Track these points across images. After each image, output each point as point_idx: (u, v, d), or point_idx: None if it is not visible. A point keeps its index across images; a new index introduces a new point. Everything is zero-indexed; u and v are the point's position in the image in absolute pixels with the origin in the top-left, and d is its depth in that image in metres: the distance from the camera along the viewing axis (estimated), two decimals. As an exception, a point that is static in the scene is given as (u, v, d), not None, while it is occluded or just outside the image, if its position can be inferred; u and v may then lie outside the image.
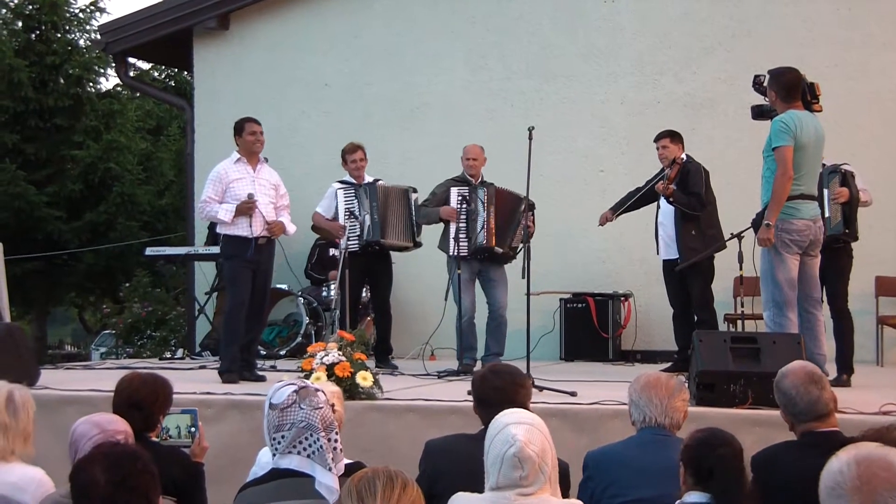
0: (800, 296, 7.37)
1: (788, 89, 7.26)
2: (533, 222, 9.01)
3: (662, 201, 9.29)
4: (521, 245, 8.74)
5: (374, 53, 12.60)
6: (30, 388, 7.32)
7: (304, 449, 3.68)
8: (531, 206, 8.88)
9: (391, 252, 10.03)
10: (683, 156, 9.29)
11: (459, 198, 9.22)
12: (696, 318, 9.22)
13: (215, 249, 11.44)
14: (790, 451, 4.35)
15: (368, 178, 9.97)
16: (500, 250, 9.20)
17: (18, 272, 17.75)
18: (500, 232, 9.18)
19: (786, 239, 7.21)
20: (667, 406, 4.39)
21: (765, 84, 7.41)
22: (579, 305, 11.37)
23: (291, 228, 8.92)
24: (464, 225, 9.18)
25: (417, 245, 9.98)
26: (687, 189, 9.09)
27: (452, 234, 9.20)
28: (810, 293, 7.49)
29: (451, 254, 9.21)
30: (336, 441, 3.74)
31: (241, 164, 8.73)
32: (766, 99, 7.49)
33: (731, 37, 11.57)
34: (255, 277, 8.59)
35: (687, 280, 9.22)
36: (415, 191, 9.97)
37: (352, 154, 9.94)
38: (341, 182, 9.93)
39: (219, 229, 8.90)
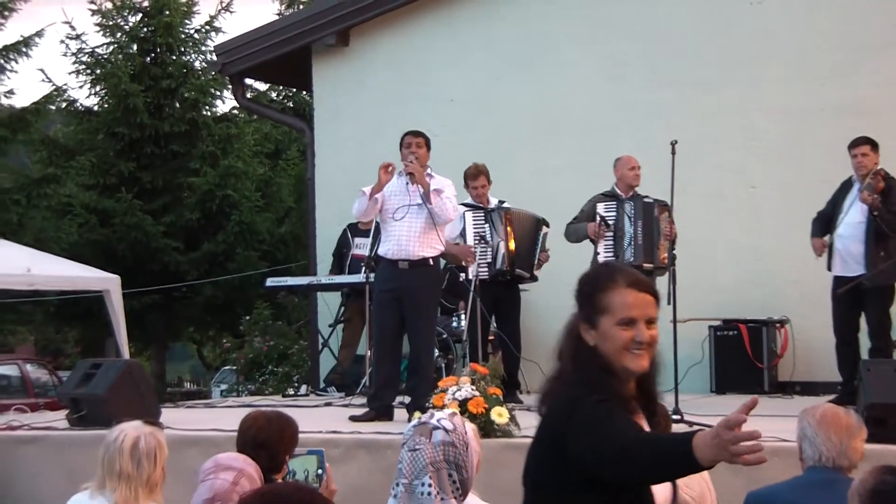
0: None
1: None
2: (672, 222, 8.97)
3: (849, 214, 8.98)
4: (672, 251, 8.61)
5: (504, 65, 12.59)
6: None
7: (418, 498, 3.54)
8: (665, 206, 9.00)
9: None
10: (881, 167, 8.94)
11: (603, 214, 9.18)
12: (870, 345, 8.95)
13: (339, 279, 11.54)
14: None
15: (493, 200, 10.02)
16: (649, 266, 9.07)
17: (136, 306, 18.13)
18: (647, 248, 9.10)
19: None
20: (846, 447, 4.23)
21: None
22: (730, 333, 11.14)
23: (446, 203, 8.33)
24: (610, 243, 9.13)
25: (534, 279, 10.03)
26: (887, 205, 8.72)
27: (599, 254, 9.13)
28: None
29: None
30: (451, 477, 3.62)
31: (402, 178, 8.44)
32: None
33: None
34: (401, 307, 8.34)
35: (863, 303, 8.92)
36: (546, 224, 9.97)
37: (474, 181, 10.01)
38: (466, 205, 9.90)
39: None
